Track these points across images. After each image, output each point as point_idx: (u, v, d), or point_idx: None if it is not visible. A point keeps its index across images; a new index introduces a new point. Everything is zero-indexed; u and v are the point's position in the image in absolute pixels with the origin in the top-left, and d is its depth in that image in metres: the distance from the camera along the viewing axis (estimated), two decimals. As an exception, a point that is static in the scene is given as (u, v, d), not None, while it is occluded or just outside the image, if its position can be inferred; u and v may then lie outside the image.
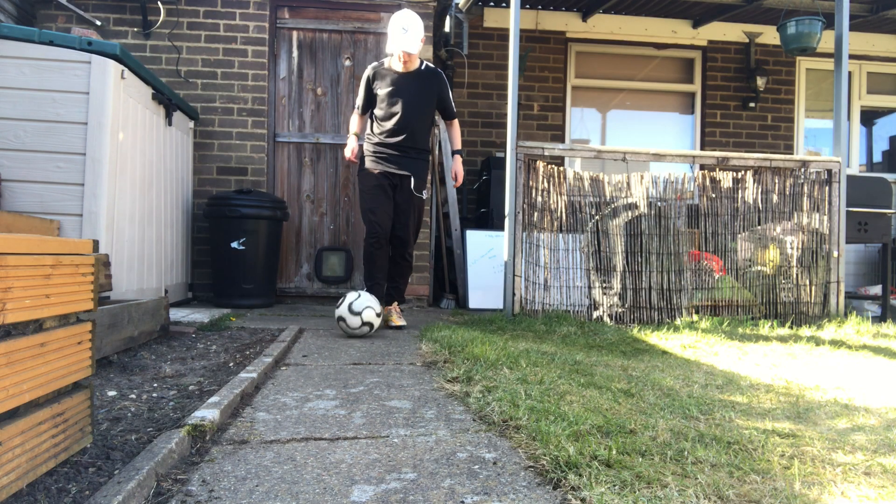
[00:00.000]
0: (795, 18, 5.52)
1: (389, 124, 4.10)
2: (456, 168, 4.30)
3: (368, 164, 4.17)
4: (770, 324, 4.41)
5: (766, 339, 4.00)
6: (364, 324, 3.70)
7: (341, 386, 2.52)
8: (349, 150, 4.19)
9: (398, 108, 4.08)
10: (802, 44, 5.48)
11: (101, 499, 1.31)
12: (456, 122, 4.38)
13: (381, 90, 4.13)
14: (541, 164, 4.64)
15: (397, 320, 4.20)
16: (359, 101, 4.29)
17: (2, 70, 3.53)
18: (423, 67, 4.18)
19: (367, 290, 3.95)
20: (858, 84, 7.29)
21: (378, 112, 4.17)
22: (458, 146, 4.35)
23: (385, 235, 4.08)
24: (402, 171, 4.12)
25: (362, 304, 3.71)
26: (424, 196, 4.24)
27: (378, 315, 3.77)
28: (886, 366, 3.31)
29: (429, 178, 4.27)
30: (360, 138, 4.27)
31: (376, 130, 4.18)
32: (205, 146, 5.49)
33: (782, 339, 3.98)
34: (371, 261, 4.10)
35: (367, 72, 4.22)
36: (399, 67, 4.11)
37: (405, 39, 3.98)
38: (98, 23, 5.39)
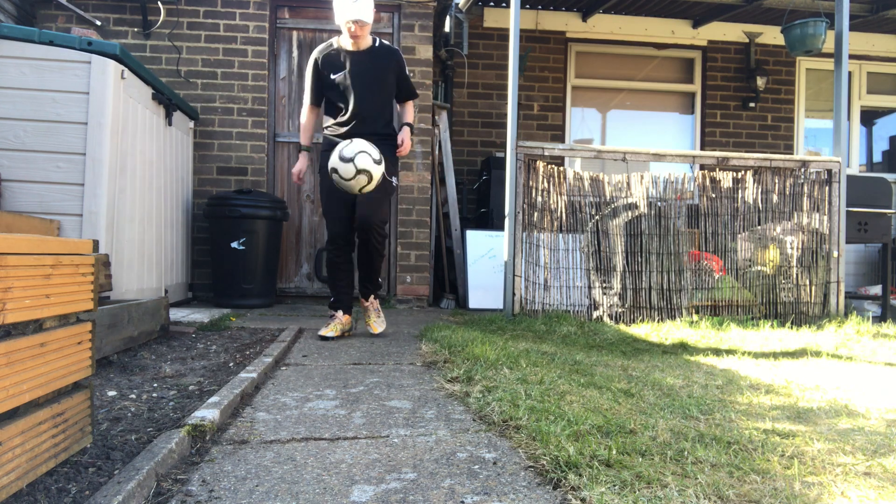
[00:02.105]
0: (800, 21, 5.52)
1: (345, 114, 3.65)
2: (403, 136, 3.72)
3: (325, 159, 3.72)
4: (770, 324, 4.41)
5: (766, 339, 4.00)
6: (359, 171, 3.29)
7: (341, 386, 2.52)
8: (296, 171, 3.82)
9: (352, 94, 3.62)
10: (808, 46, 5.49)
11: (101, 499, 1.31)
12: (412, 102, 3.91)
13: (333, 75, 3.64)
14: (541, 164, 4.64)
15: (375, 325, 3.78)
16: (307, 92, 3.78)
17: (2, 70, 3.53)
18: (377, 45, 3.70)
19: (332, 301, 3.75)
20: (858, 84, 7.29)
21: (330, 100, 3.71)
22: (411, 120, 3.85)
23: (344, 240, 3.69)
24: None
25: (354, 150, 3.30)
26: (394, 182, 3.75)
27: (377, 162, 3.35)
28: (886, 366, 3.31)
29: (399, 164, 3.88)
30: (312, 149, 3.94)
31: (331, 122, 3.73)
32: (205, 146, 5.49)
33: (782, 340, 3.98)
34: (333, 269, 3.78)
35: (315, 56, 3.71)
36: (349, 45, 3.63)
37: (356, 7, 3.48)
38: (98, 23, 5.39)
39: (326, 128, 3.77)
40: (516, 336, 3.79)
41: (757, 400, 2.43)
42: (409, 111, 3.89)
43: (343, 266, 3.74)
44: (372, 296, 3.83)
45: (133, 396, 2.30)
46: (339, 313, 3.73)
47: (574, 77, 7.00)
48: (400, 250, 5.62)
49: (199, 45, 5.51)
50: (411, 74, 5.51)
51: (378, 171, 3.39)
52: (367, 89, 3.65)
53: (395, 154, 3.73)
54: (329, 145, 3.68)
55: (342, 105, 3.66)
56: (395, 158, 3.78)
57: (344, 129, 3.66)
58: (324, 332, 3.63)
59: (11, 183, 3.53)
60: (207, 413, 1.93)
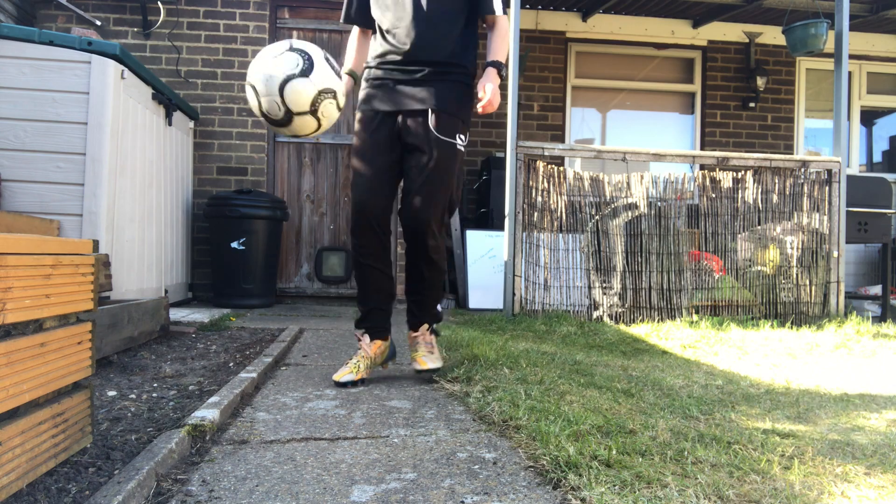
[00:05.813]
0: (801, 22, 5.52)
1: (393, 32, 2.50)
2: (485, 83, 2.44)
3: (361, 105, 2.58)
4: (770, 324, 4.41)
5: (766, 339, 4.00)
6: (316, 97, 2.18)
7: (341, 386, 2.51)
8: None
9: (408, 3, 2.47)
10: (809, 46, 5.50)
11: (101, 499, 1.31)
12: (502, 21, 2.58)
13: None
14: (541, 164, 4.64)
15: (424, 361, 2.54)
16: (347, 5, 2.66)
17: (2, 70, 3.53)
18: None
19: (362, 317, 2.62)
20: (858, 84, 7.29)
21: (377, 17, 2.57)
22: (500, 57, 2.52)
23: (374, 225, 2.50)
24: (407, 103, 2.48)
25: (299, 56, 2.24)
26: (459, 144, 2.50)
27: (323, 110, 2.20)
28: (886, 366, 3.31)
29: (470, 114, 2.58)
30: (358, 75, 2.66)
31: (376, 48, 2.59)
32: (205, 146, 5.49)
33: (782, 340, 3.98)
34: (361, 273, 2.59)
35: None
36: None
37: None
38: (98, 23, 5.39)
39: (373, 58, 2.62)
40: (516, 336, 3.79)
41: (757, 400, 2.43)
42: (498, 42, 2.55)
43: (374, 264, 2.56)
44: (424, 325, 2.63)
45: (133, 396, 2.30)
46: (366, 340, 2.58)
47: (574, 77, 6.99)
48: (399, 250, 5.62)
49: (199, 45, 5.51)
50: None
51: (311, 125, 2.21)
52: None
53: (464, 100, 2.54)
54: (366, 82, 2.58)
55: (394, 21, 2.50)
56: (465, 103, 2.55)
57: (398, 57, 2.49)
58: (338, 375, 2.50)
59: (11, 183, 3.53)
60: (207, 413, 1.93)
